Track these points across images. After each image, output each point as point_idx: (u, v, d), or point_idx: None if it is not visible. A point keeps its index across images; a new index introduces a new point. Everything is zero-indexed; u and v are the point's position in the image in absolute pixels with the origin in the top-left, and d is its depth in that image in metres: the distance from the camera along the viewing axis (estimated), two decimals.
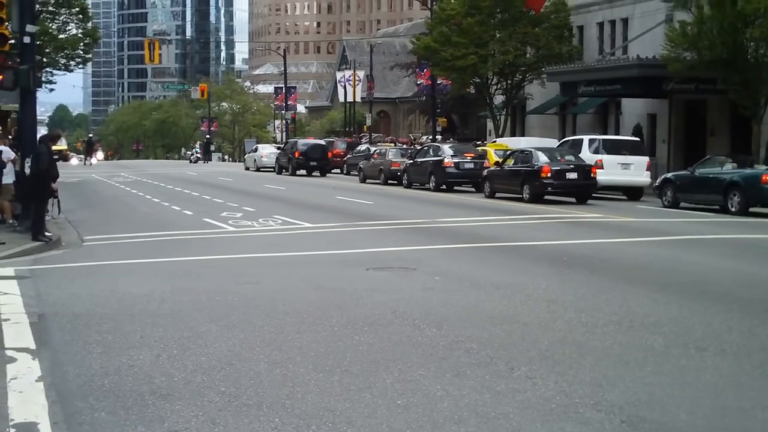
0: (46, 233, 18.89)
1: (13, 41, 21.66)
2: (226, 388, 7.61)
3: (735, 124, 38.57)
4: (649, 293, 12.28)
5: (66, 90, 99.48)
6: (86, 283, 13.34)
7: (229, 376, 7.98)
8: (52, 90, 55.31)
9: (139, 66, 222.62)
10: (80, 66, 52.88)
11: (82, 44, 49.90)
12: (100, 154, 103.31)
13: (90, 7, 56.71)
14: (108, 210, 27.74)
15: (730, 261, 16.00)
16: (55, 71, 50.24)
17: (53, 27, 48.73)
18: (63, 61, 49.69)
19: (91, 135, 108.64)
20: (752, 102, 33.80)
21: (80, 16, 49.91)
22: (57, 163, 20.76)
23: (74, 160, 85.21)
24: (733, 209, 26.84)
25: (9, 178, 21.32)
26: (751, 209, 26.78)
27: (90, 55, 53.25)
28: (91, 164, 76.11)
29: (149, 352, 8.84)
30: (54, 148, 21.22)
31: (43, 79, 42.62)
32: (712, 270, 14.76)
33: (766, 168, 28.03)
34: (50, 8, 48.09)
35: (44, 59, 44.67)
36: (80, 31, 50.22)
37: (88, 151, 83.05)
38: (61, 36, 49.37)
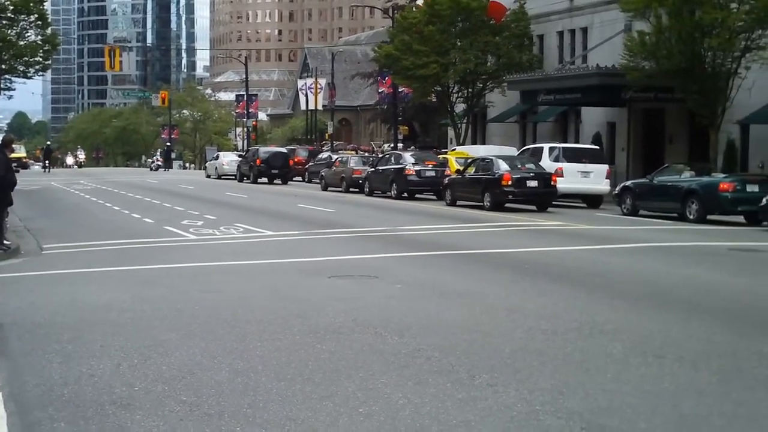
0: (5, 241, 18.69)
1: None
2: (187, 397, 7.56)
3: (693, 132, 38.97)
4: (608, 301, 12.37)
5: (25, 97, 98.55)
6: (46, 292, 13.22)
7: (190, 385, 7.93)
8: (10, 97, 54.78)
9: (99, 73, 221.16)
10: (39, 73, 52.50)
11: (41, 51, 49.49)
12: (70, 160, 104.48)
13: (49, 13, 56.25)
14: (68, 218, 27.49)
15: (689, 269, 16.15)
16: (13, 78, 49.80)
17: (12, 33, 48.32)
18: (22, 67, 49.30)
19: (49, 143, 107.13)
20: (710, 111, 34.17)
21: (39, 22, 49.52)
22: (16, 170, 20.55)
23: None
24: (692, 217, 27.10)
25: None
26: (709, 217, 27.06)
27: (49, 62, 52.86)
28: (48, 171, 75.67)
29: (110, 361, 8.78)
30: (13, 155, 20.99)
31: (2, 85, 42.30)
32: (671, 277, 14.88)
33: (724, 176, 28.35)
34: (8, 14, 47.68)
35: (2, 66, 44.30)
36: (39, 37, 49.83)
37: (46, 158, 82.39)
38: (20, 42, 48.94)
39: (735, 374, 8.49)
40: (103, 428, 6.79)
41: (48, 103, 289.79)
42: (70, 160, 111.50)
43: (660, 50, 34.01)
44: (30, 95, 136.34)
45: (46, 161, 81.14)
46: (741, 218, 26.96)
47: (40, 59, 49.94)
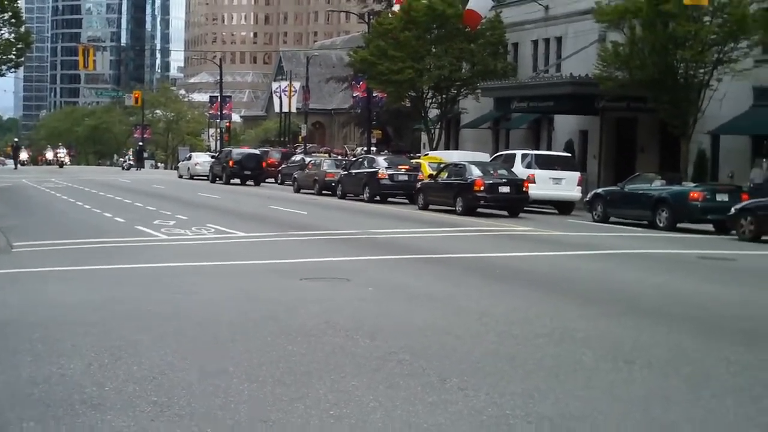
0: None
1: None
2: (158, 398, 7.52)
3: (664, 142, 39.23)
4: (579, 307, 12.41)
5: None
6: (15, 291, 13.10)
7: (161, 386, 7.88)
8: None
9: (72, 72, 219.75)
10: (12, 70, 52.06)
11: (14, 49, 49.12)
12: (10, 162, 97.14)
13: (23, 11, 55.79)
14: (38, 216, 27.29)
15: (659, 276, 16.23)
16: None
17: None
18: None
19: (16, 140, 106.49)
20: (681, 121, 34.44)
21: (13, 20, 49.12)
22: None
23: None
24: (661, 224, 27.28)
25: None
26: (679, 225, 27.27)
27: (22, 59, 52.44)
28: (17, 168, 75.34)
29: (80, 361, 8.71)
30: None
31: None
32: (641, 284, 14.95)
33: (694, 185, 28.58)
34: None
35: None
36: (12, 35, 49.44)
37: (16, 155, 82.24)
38: None
39: (704, 381, 8.54)
40: (74, 428, 6.73)
41: (20, 101, 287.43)
42: (50, 154, 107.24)
43: (633, 61, 34.26)
44: (2, 92, 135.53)
45: (16, 159, 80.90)
46: (710, 227, 27.18)
47: (13, 57, 49.56)
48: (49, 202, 33.99)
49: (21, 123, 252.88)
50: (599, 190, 31.64)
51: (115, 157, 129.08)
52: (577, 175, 34.65)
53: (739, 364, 9.25)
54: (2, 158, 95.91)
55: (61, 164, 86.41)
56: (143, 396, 7.56)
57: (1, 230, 22.25)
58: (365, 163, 39.82)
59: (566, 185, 33.95)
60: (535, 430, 6.91)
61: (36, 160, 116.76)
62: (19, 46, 49.39)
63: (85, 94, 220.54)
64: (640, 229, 27.47)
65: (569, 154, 39.15)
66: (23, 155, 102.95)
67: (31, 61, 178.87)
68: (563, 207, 34.30)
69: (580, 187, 34.32)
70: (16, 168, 75.53)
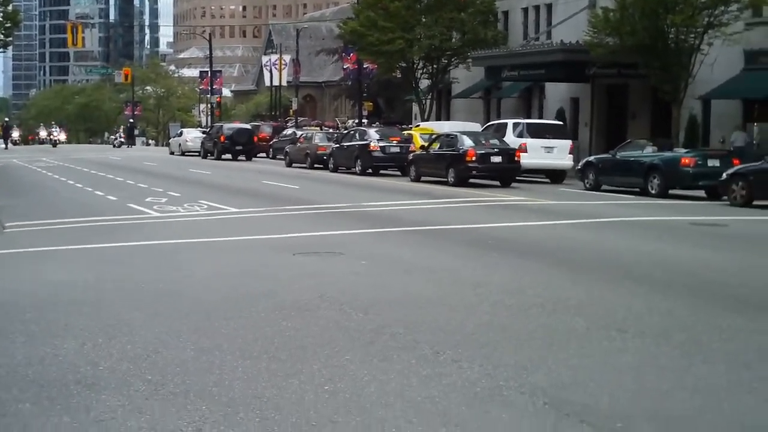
0: None
1: None
2: (153, 376, 7.54)
3: (656, 108, 39.22)
4: (571, 276, 12.45)
5: None
6: (8, 271, 13.10)
7: (155, 364, 7.90)
8: None
9: (61, 50, 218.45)
10: (0, 50, 51.73)
11: (2, 28, 48.78)
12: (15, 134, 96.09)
13: None
14: (30, 196, 27.24)
15: (651, 243, 16.27)
16: None
17: None
18: None
19: (6, 119, 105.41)
20: (672, 87, 34.39)
21: None
22: None
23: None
24: (653, 192, 27.30)
25: None
26: (671, 191, 27.29)
27: (10, 39, 52.10)
28: (7, 148, 74.93)
29: (74, 341, 8.72)
30: None
31: None
32: (633, 252, 14.98)
33: (686, 151, 28.57)
34: None
35: None
36: (0, 14, 49.09)
37: (5, 135, 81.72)
38: None
39: (695, 348, 8.58)
40: (68, 408, 6.75)
41: (9, 80, 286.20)
42: (43, 133, 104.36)
43: (624, 26, 34.16)
44: None
45: (7, 138, 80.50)
46: (702, 193, 27.21)
47: (1, 36, 49.23)
48: (40, 181, 33.91)
49: (11, 102, 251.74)
50: (591, 158, 31.65)
51: (106, 134, 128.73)
52: (568, 143, 34.63)
53: (731, 330, 9.30)
54: None
55: (55, 143, 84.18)
56: (138, 374, 7.58)
57: None
58: (357, 135, 39.75)
59: (558, 153, 33.94)
60: (529, 400, 6.94)
61: (26, 139, 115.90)
62: (7, 25, 49.03)
63: (75, 72, 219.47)
64: (631, 196, 27.50)
65: (560, 122, 39.10)
66: (15, 134, 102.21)
67: (19, 40, 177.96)
68: (555, 176, 34.31)
69: (571, 156, 34.30)
70: (6, 148, 75.19)
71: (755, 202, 24.26)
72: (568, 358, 8.10)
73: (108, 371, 7.69)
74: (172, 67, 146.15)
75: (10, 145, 79.97)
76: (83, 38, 65.34)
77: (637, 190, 28.25)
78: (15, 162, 48.79)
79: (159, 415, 6.61)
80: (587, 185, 30.16)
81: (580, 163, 31.61)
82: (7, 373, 7.65)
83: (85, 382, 7.35)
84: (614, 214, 21.70)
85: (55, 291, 11.31)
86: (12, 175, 37.42)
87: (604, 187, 29.64)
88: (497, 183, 30.88)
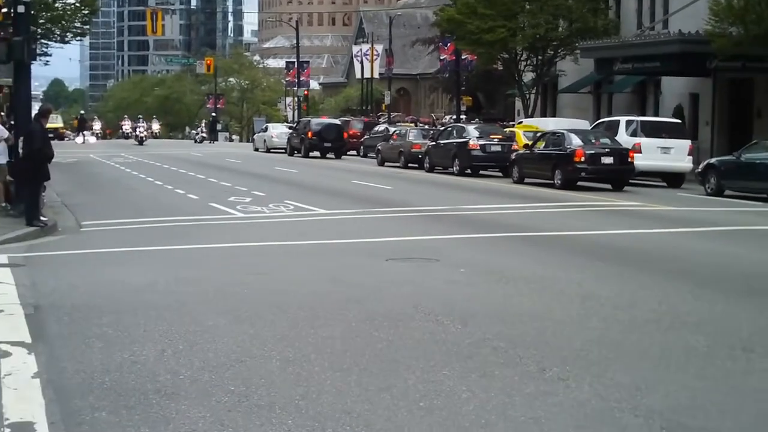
0: (42, 218, 18.96)
1: (5, 10, 21.68)
2: (236, 387, 7.63)
3: None
4: (691, 289, 12.26)
5: (62, 63, 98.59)
6: (85, 272, 13.40)
7: (239, 374, 8.00)
8: (47, 63, 55.23)
9: (140, 38, 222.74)
10: (77, 38, 52.89)
11: (79, 15, 49.83)
12: (87, 135, 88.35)
13: None
14: (107, 193, 27.83)
15: None
16: (50, 43, 50.21)
17: None
18: (58, 32, 49.61)
19: (82, 112, 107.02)
20: None
21: None
22: (52, 141, 20.83)
23: (91, 138, 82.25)
24: None
25: (2, 158, 21.37)
26: None
27: (88, 27, 53.22)
28: (84, 142, 76.05)
29: (153, 347, 8.88)
30: (48, 125, 21.28)
31: (38, 51, 42.72)
32: (760, 264, 14.71)
33: None
34: None
35: (39, 30, 44.70)
36: (77, 1, 50.16)
37: (81, 128, 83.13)
38: (57, 5, 49.34)
39: None
40: (147, 419, 6.87)
41: (86, 70, 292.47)
42: (126, 126, 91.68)
43: (749, 14, 33.49)
44: (67, 61, 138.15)
45: (83, 132, 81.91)
46: None
47: (79, 24, 50.29)
48: (117, 178, 34.62)
49: (88, 94, 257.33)
50: (712, 160, 31.10)
51: (187, 129, 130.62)
52: (687, 143, 34.11)
53: None
54: (69, 132, 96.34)
55: (142, 140, 73.91)
56: (220, 385, 7.68)
57: (69, 208, 22.77)
58: (454, 132, 39.71)
59: (676, 155, 33.45)
60: (644, 424, 6.85)
61: (105, 133, 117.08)
62: (84, 11, 50.07)
63: (154, 61, 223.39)
64: (759, 203, 26.94)
65: (679, 121, 38.50)
66: (96, 126, 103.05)
67: (96, 27, 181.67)
68: (672, 179, 33.82)
69: (690, 157, 33.77)
70: (83, 142, 76.51)
71: None
72: (686, 379, 7.99)
73: (189, 380, 7.81)
74: (257, 57, 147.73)
75: (91, 139, 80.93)
76: (163, 26, 66.47)
77: (765, 196, 27.67)
78: (91, 157, 49.85)
79: (242, 428, 6.69)
80: (708, 190, 29.65)
81: (701, 166, 31.08)
82: (83, 380, 7.82)
83: (165, 392, 7.48)
84: (739, 222, 21.32)
85: (133, 294, 11.53)
86: (88, 172, 38.26)
87: (727, 192, 29.09)
88: (608, 186, 30.56)
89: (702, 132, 42.54)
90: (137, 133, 76.38)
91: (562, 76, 52.95)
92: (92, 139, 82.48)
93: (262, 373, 8.04)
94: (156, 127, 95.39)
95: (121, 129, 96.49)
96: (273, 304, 10.94)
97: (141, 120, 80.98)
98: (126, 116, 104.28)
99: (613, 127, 34.76)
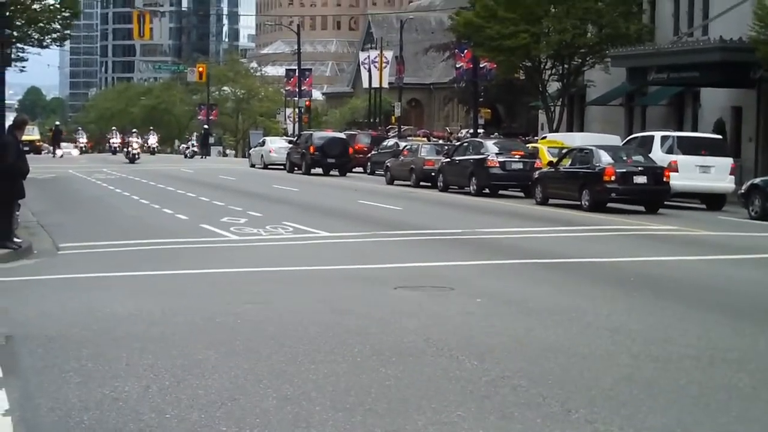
0: (16, 239, 18.99)
1: None
2: (228, 427, 7.63)
3: None
4: (732, 323, 12.24)
5: (39, 70, 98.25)
6: (62, 300, 13.41)
7: (231, 413, 8.00)
8: (23, 69, 55.43)
9: (125, 42, 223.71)
10: (57, 43, 53.05)
11: (59, 17, 49.97)
12: (69, 148, 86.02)
13: None
14: (88, 213, 27.88)
15: None
16: (26, 47, 50.36)
17: None
18: (36, 35, 49.76)
19: (57, 123, 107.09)
20: None
21: None
22: (27, 155, 20.88)
23: (74, 151, 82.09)
24: None
25: None
26: None
27: (68, 31, 53.40)
28: (57, 156, 76.38)
29: (137, 383, 8.88)
30: (24, 138, 21.33)
31: (13, 56, 42.84)
32: None
33: None
34: None
35: (14, 33, 44.84)
36: (57, 1, 50.31)
37: (56, 140, 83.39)
38: (34, 6, 49.50)
39: None
40: None
41: (66, 77, 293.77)
42: (115, 140, 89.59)
43: None
44: (45, 68, 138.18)
45: (59, 144, 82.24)
46: None
47: (59, 27, 50.42)
48: (99, 196, 34.70)
49: (67, 103, 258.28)
50: (757, 180, 31.08)
51: (177, 143, 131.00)
52: (729, 161, 34.12)
53: None
54: (46, 145, 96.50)
55: (133, 157, 68.83)
56: (210, 425, 7.68)
57: (46, 229, 22.82)
58: (471, 148, 39.75)
59: (716, 174, 33.46)
60: None
61: (87, 147, 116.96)
62: (65, 13, 50.15)
63: (141, 68, 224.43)
64: None
65: (719, 137, 38.53)
66: (82, 139, 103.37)
67: (78, 31, 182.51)
68: (712, 201, 33.81)
69: (732, 177, 33.78)
70: (54, 156, 76.79)
71: None
72: (728, 423, 7.97)
73: (176, 420, 7.80)
74: (254, 65, 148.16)
75: (73, 152, 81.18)
76: (151, 29, 66.53)
77: None
78: (71, 173, 49.99)
79: None
80: (752, 213, 29.63)
81: (744, 186, 31.07)
82: (59, 418, 7.82)
83: None
84: None
85: (115, 324, 11.54)
86: (67, 189, 38.36)
87: None
88: (641, 208, 30.57)
89: (745, 149, 42.54)
90: (129, 149, 70.80)
91: (590, 87, 53.02)
92: (75, 152, 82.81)
93: (257, 412, 8.03)
94: (153, 140, 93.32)
95: (109, 143, 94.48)
96: (269, 336, 10.94)
97: (134, 134, 76.80)
98: (114, 128, 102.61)
99: (647, 143, 34.76)
